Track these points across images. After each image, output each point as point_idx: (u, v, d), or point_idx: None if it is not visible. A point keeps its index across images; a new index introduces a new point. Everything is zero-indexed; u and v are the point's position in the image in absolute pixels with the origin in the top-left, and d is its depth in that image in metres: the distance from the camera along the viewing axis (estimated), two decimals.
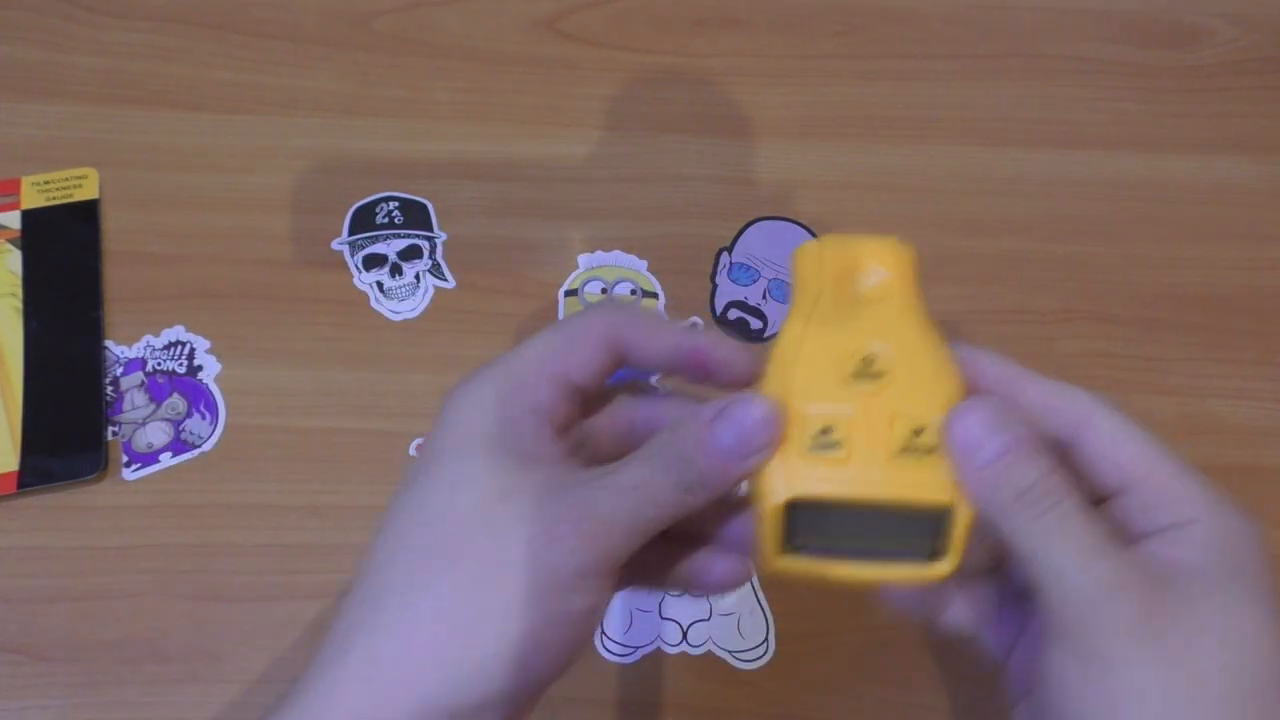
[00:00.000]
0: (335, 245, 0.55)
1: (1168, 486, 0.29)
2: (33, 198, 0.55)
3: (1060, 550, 0.27)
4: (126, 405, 0.50)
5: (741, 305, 0.54)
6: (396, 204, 0.56)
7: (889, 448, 0.28)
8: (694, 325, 0.30)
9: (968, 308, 0.55)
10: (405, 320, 0.53)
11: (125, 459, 0.49)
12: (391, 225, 0.55)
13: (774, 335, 0.54)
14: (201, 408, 0.50)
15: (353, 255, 0.55)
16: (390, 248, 0.55)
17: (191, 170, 0.56)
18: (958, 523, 0.28)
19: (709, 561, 0.32)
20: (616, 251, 0.55)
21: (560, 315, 0.53)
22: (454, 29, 0.62)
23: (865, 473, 0.28)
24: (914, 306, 0.31)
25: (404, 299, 0.54)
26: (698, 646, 0.46)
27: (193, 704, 0.44)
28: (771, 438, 0.28)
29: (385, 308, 0.53)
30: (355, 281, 0.54)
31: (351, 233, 0.55)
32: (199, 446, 0.50)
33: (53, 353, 0.51)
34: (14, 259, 0.53)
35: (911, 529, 0.28)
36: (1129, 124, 0.61)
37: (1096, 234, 0.57)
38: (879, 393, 0.28)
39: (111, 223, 0.55)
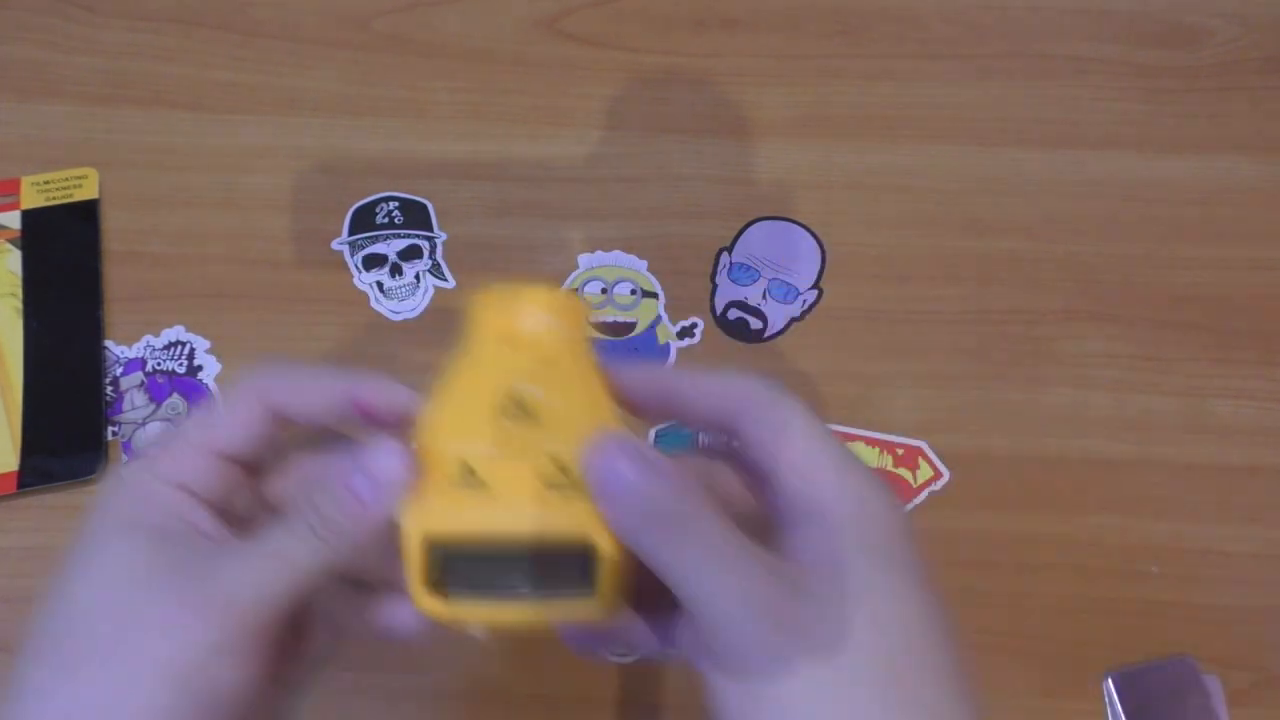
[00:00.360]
0: (335, 245, 0.55)
1: (806, 474, 0.28)
2: (33, 198, 0.55)
3: (697, 572, 0.26)
4: (126, 405, 0.50)
5: (741, 305, 0.54)
6: (396, 204, 0.56)
7: (534, 484, 0.27)
8: (350, 375, 0.30)
9: (968, 308, 0.55)
10: (405, 320, 0.53)
11: (125, 459, 0.49)
12: (391, 225, 0.55)
13: (772, 336, 0.54)
14: None
15: (353, 255, 0.55)
16: (390, 248, 0.55)
17: (191, 170, 0.56)
18: (604, 557, 0.27)
19: (397, 608, 0.31)
20: (616, 251, 0.55)
21: None
22: (454, 29, 0.61)
23: (506, 509, 0.27)
24: (576, 351, 0.30)
25: (404, 299, 0.54)
26: None
27: None
28: (405, 479, 0.28)
29: (385, 308, 0.53)
30: (355, 281, 0.54)
31: (351, 233, 0.55)
32: None
33: (53, 353, 0.51)
34: (14, 259, 0.53)
35: (562, 566, 0.27)
36: (1129, 124, 0.60)
37: (1096, 234, 0.57)
38: (527, 432, 0.28)
39: (111, 223, 0.55)
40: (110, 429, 0.50)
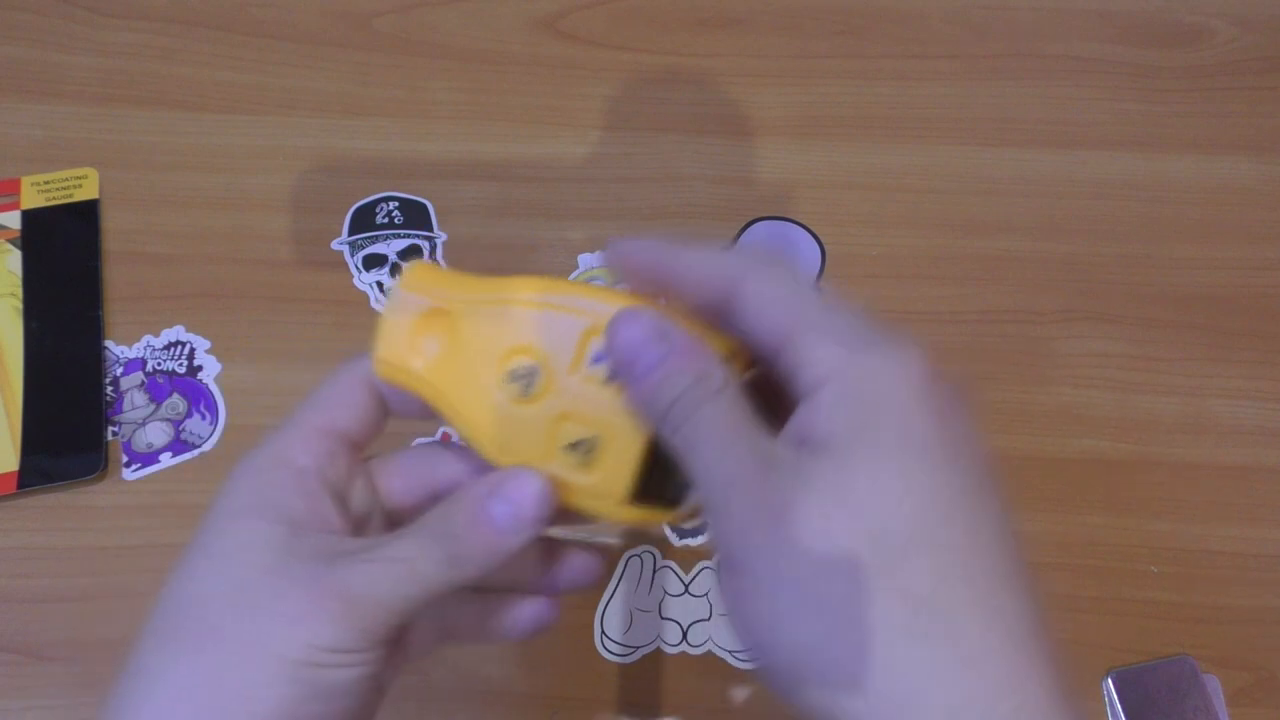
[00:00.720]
0: (335, 245, 0.55)
1: (807, 345, 0.26)
2: (33, 198, 0.55)
3: (699, 453, 0.26)
4: (126, 405, 0.50)
5: None
6: (396, 204, 0.56)
7: (602, 387, 0.28)
8: None
9: (968, 308, 0.55)
10: None
11: (125, 459, 0.49)
12: (391, 225, 0.55)
13: None
14: (201, 408, 0.50)
15: (353, 255, 0.55)
16: (390, 248, 0.55)
17: (191, 170, 0.56)
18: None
19: (516, 609, 0.32)
20: None
21: None
22: (454, 29, 0.62)
23: (623, 425, 0.28)
24: (469, 298, 0.31)
25: None
26: (698, 646, 0.46)
27: None
28: (544, 513, 0.28)
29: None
30: (355, 281, 0.54)
31: (351, 233, 0.55)
32: (199, 446, 0.50)
33: (53, 353, 0.51)
34: (14, 259, 0.53)
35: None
36: (1129, 124, 0.61)
37: (1096, 234, 0.57)
38: (548, 382, 0.29)
39: (111, 223, 0.55)
40: (110, 429, 0.50)
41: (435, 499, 0.31)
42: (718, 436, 0.26)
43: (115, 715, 0.27)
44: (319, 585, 0.27)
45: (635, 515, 0.29)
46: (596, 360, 0.29)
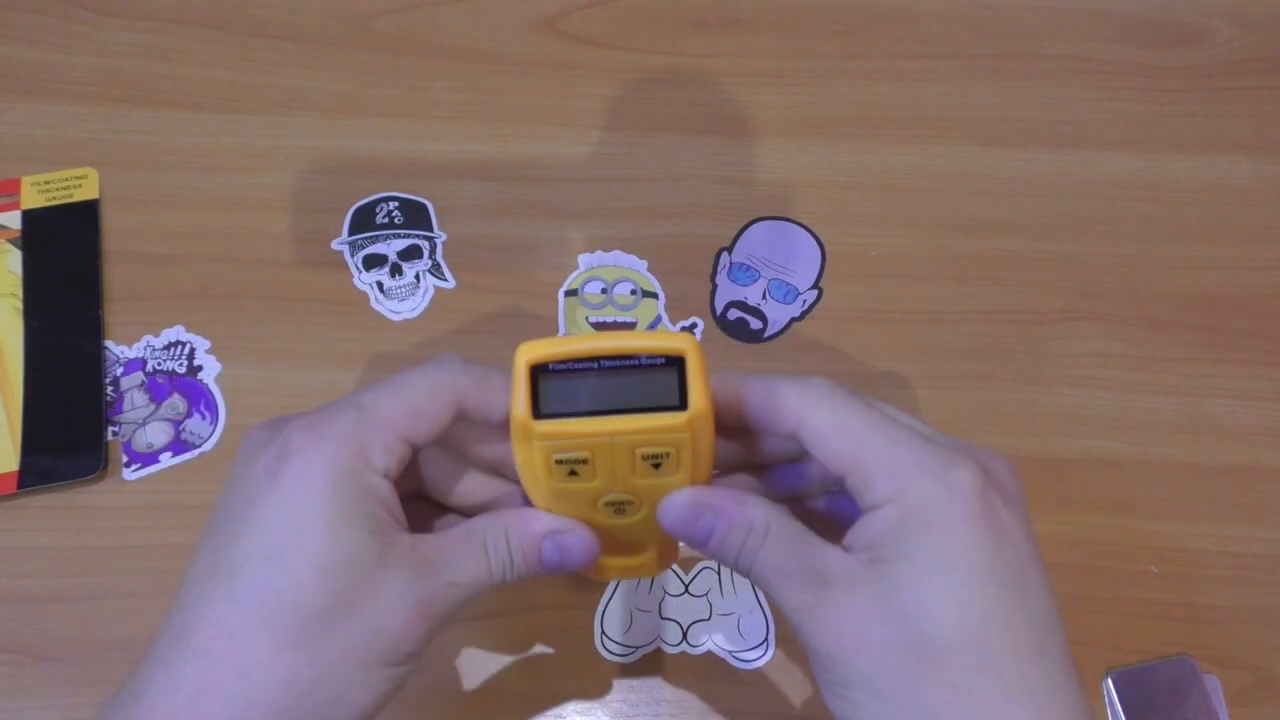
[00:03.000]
0: (335, 245, 0.55)
1: (871, 471, 0.31)
2: (33, 198, 0.55)
3: (769, 585, 0.32)
4: (126, 405, 0.50)
5: (741, 305, 0.54)
6: (396, 204, 0.56)
7: (647, 471, 0.32)
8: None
9: (968, 308, 0.55)
10: (405, 320, 0.53)
11: (125, 459, 0.49)
12: (391, 225, 0.55)
13: (772, 336, 0.54)
14: (201, 408, 0.50)
15: (353, 255, 0.55)
16: (390, 248, 0.55)
17: (191, 170, 0.56)
18: (693, 364, 0.30)
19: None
20: (616, 251, 0.55)
21: (560, 315, 0.53)
22: (454, 29, 0.62)
23: (604, 339, 0.31)
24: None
25: (404, 299, 0.54)
26: (698, 646, 0.46)
27: None
28: (589, 562, 0.34)
29: (385, 308, 0.53)
30: (355, 281, 0.54)
31: (351, 233, 0.55)
32: (199, 446, 0.50)
33: (53, 353, 0.51)
34: (14, 259, 0.53)
35: (655, 385, 0.31)
36: (1129, 124, 0.61)
37: (1096, 234, 0.57)
38: (594, 467, 0.32)
39: (111, 223, 0.55)
40: (110, 429, 0.50)
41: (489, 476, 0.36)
42: (778, 572, 0.31)
43: (202, 695, 0.28)
44: (413, 594, 0.30)
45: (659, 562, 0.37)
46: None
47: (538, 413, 0.31)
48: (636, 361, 0.30)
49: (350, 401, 0.32)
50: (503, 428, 0.33)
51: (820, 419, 0.31)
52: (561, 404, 0.31)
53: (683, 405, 0.30)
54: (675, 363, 0.30)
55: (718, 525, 0.32)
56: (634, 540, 0.36)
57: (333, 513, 0.30)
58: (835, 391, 0.32)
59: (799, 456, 0.35)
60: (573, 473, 0.32)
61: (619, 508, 0.33)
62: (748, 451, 0.35)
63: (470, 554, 0.32)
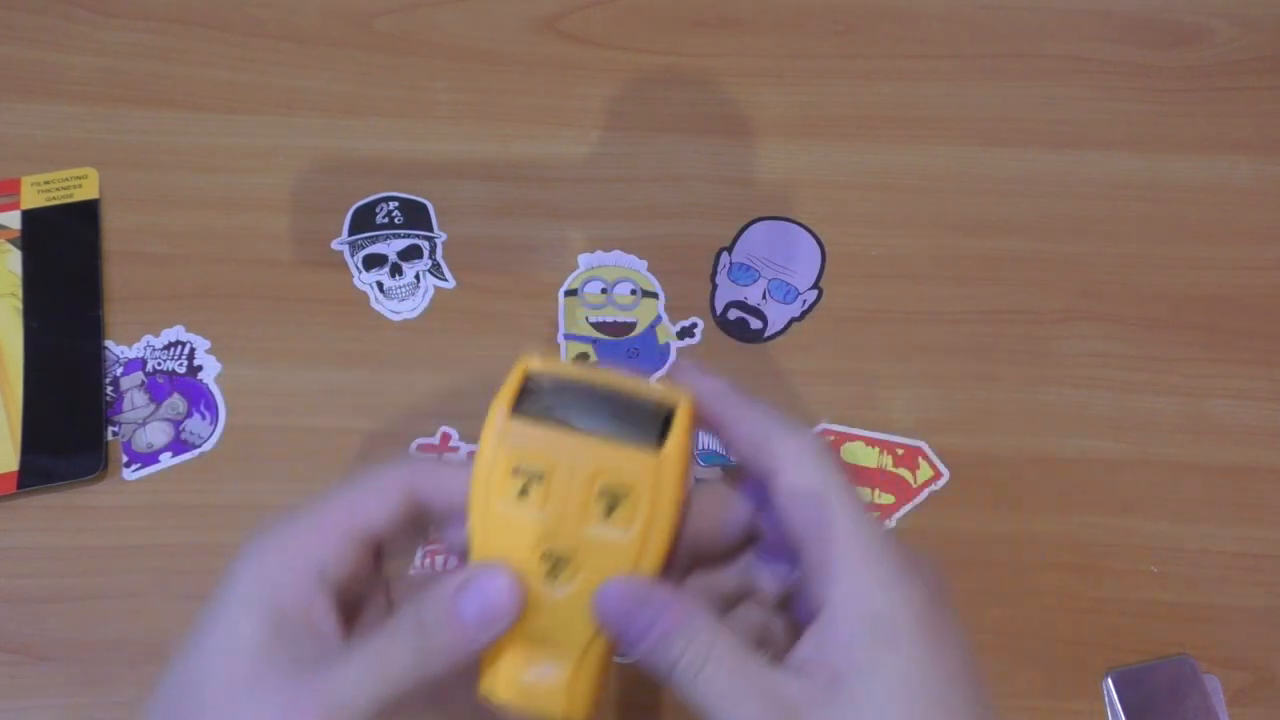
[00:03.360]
0: (335, 245, 0.55)
1: (835, 555, 0.29)
2: (33, 198, 0.55)
3: (718, 705, 0.28)
4: (126, 405, 0.50)
5: (741, 305, 0.54)
6: (396, 204, 0.56)
7: (596, 519, 0.30)
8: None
9: (968, 308, 0.55)
10: (405, 320, 0.53)
11: (125, 459, 0.49)
12: (391, 225, 0.55)
13: (772, 336, 0.54)
14: (201, 408, 0.50)
15: (353, 255, 0.55)
16: (390, 248, 0.55)
17: (191, 170, 0.56)
18: (683, 414, 0.30)
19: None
20: (616, 251, 0.55)
21: (560, 315, 0.53)
22: (454, 29, 0.62)
23: (600, 557, 0.30)
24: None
25: (404, 299, 0.54)
26: None
27: None
28: (512, 610, 0.29)
29: (385, 308, 0.53)
30: (355, 281, 0.54)
31: (351, 233, 0.55)
32: (199, 446, 0.50)
33: (53, 353, 0.51)
34: (14, 259, 0.53)
35: (638, 419, 0.30)
36: (1129, 124, 0.61)
37: (1096, 234, 0.57)
38: (548, 489, 0.30)
39: (111, 223, 0.55)
40: (110, 429, 0.50)
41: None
42: (725, 695, 0.28)
43: None
44: (302, 694, 0.28)
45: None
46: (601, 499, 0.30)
47: (516, 410, 0.30)
48: (629, 399, 0.30)
49: (311, 500, 0.31)
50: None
51: (804, 477, 0.30)
52: (541, 410, 0.30)
53: (658, 445, 0.30)
54: (666, 410, 0.30)
55: (657, 624, 0.29)
56: (555, 636, 0.31)
57: (236, 595, 0.30)
58: (826, 455, 0.31)
59: (734, 550, 0.33)
60: (524, 491, 0.30)
61: (556, 564, 0.30)
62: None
63: (374, 644, 0.29)
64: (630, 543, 0.30)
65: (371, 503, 0.31)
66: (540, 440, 0.30)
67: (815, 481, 0.30)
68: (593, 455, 0.30)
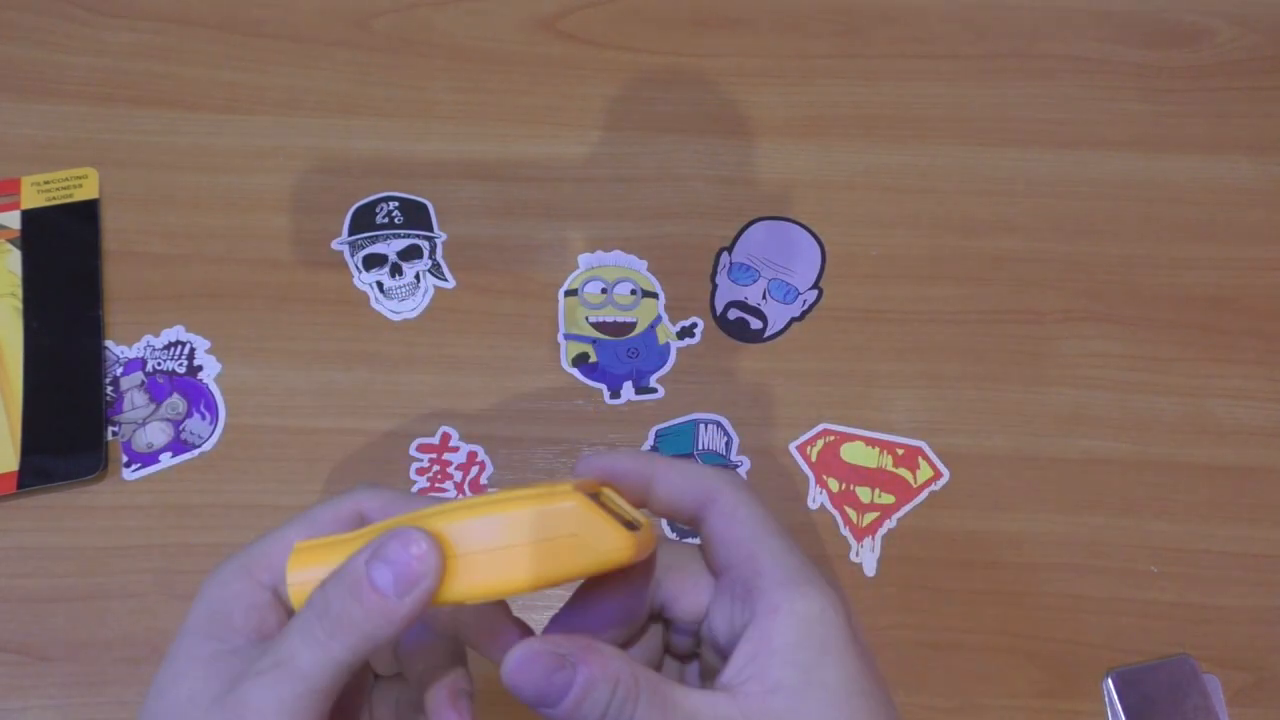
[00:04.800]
0: (335, 245, 0.55)
1: (766, 569, 0.30)
2: (33, 198, 0.55)
3: None
4: (126, 405, 0.50)
5: (741, 305, 0.54)
6: (396, 204, 0.56)
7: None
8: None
9: (968, 308, 0.55)
10: (405, 320, 0.53)
11: (125, 459, 0.49)
12: (391, 225, 0.55)
13: (772, 336, 0.54)
14: (201, 408, 0.50)
15: (353, 255, 0.55)
16: (390, 248, 0.55)
17: (191, 170, 0.56)
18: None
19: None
20: (616, 251, 0.55)
21: (560, 315, 0.53)
22: (454, 29, 0.61)
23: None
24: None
25: (404, 299, 0.54)
26: None
27: None
28: (433, 574, 0.27)
29: (385, 308, 0.53)
30: (355, 281, 0.54)
31: (351, 233, 0.55)
32: (199, 446, 0.50)
33: (53, 353, 0.51)
34: (14, 259, 0.53)
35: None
36: (1129, 124, 0.61)
37: (1096, 234, 0.57)
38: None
39: (111, 223, 0.55)
40: (110, 429, 0.50)
41: None
42: None
43: None
44: (225, 708, 0.27)
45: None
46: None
47: None
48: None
49: (246, 545, 0.31)
50: None
51: (732, 503, 0.31)
52: None
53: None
54: None
55: (577, 680, 0.27)
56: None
57: (194, 620, 0.30)
58: (744, 484, 0.32)
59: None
60: None
61: None
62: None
63: (279, 643, 0.28)
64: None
65: (326, 527, 0.31)
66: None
67: (745, 510, 0.31)
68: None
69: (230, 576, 0.30)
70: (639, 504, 0.32)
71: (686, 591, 0.32)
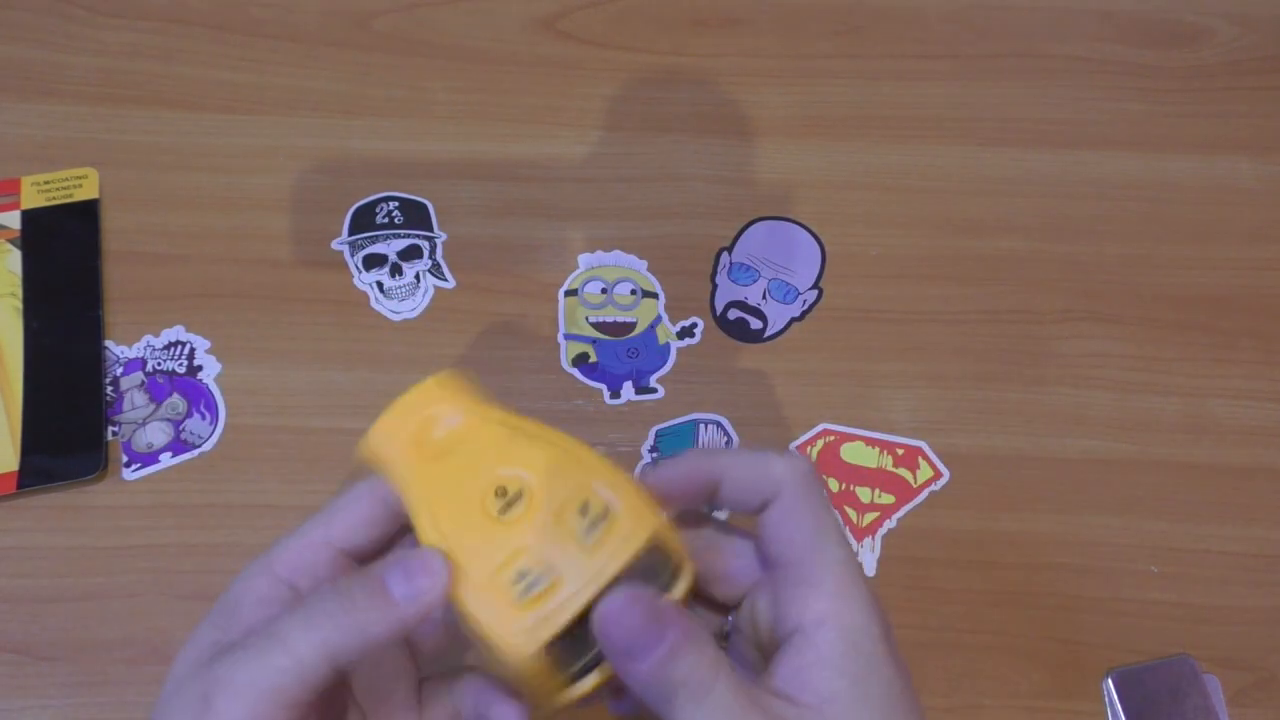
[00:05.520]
0: (335, 245, 0.55)
1: (819, 577, 0.30)
2: (33, 198, 0.55)
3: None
4: (126, 405, 0.50)
5: (741, 305, 0.54)
6: (396, 204, 0.56)
7: (576, 540, 0.28)
8: None
9: (968, 308, 0.55)
10: (405, 320, 0.53)
11: (125, 459, 0.49)
12: (391, 225, 0.55)
13: (772, 336, 0.54)
14: (201, 408, 0.50)
15: (353, 255, 0.55)
16: (390, 248, 0.55)
17: (191, 170, 0.56)
18: (673, 548, 0.29)
19: (491, 704, 0.32)
20: (616, 251, 0.55)
21: (560, 315, 0.53)
22: (454, 29, 0.62)
23: (579, 576, 0.28)
24: (491, 418, 0.31)
25: (404, 299, 0.54)
26: None
27: None
28: (443, 585, 0.28)
29: (385, 308, 0.53)
30: (355, 281, 0.54)
31: (351, 233, 0.55)
32: (199, 446, 0.50)
33: (53, 353, 0.51)
34: (14, 259, 0.53)
35: (642, 576, 0.28)
36: (1129, 124, 0.61)
37: (1096, 234, 0.57)
38: (530, 511, 0.29)
39: (111, 223, 0.55)
40: (110, 429, 0.50)
41: None
42: (734, 716, 0.27)
43: None
44: (202, 684, 0.27)
45: (534, 669, 0.28)
46: (584, 519, 0.29)
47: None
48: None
49: (274, 542, 0.32)
50: None
51: (793, 501, 0.31)
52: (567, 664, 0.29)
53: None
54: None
55: (668, 638, 0.27)
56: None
57: (214, 614, 0.31)
58: (810, 478, 0.31)
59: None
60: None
61: (525, 580, 0.28)
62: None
63: (281, 620, 0.28)
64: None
65: (349, 520, 0.32)
66: (601, 682, 0.29)
67: (805, 511, 0.31)
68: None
69: (252, 572, 0.31)
70: (705, 502, 0.32)
71: (730, 575, 0.32)
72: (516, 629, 0.28)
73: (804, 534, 0.30)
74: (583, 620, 0.28)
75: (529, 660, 0.28)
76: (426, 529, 0.30)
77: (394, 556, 0.29)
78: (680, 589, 0.29)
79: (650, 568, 0.29)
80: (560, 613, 0.28)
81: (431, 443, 0.31)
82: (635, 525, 0.28)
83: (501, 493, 0.29)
